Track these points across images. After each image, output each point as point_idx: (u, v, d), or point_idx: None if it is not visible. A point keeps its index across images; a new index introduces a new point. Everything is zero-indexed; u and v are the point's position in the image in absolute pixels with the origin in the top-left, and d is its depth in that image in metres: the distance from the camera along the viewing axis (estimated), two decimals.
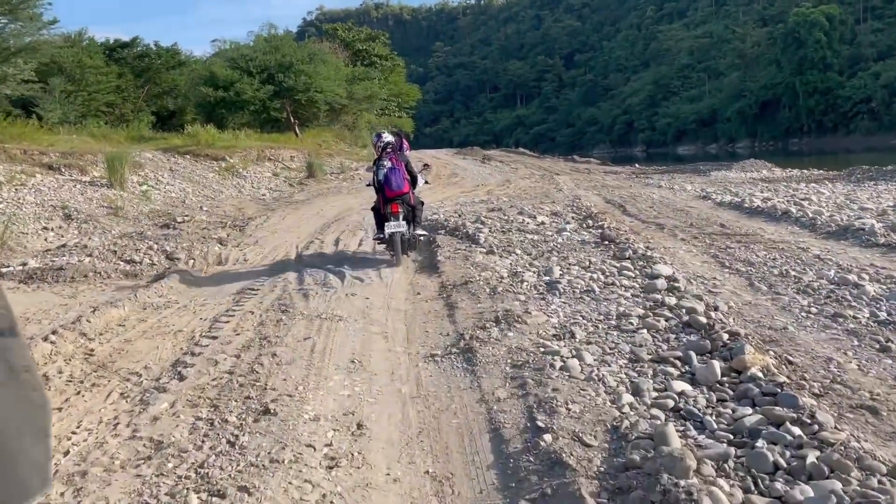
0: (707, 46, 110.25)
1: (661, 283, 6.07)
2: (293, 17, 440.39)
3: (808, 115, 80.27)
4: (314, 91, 30.92)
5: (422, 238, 8.95)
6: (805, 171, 28.21)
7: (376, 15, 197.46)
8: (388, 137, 8.74)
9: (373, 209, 8.83)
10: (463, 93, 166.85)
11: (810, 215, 9.93)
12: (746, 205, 12.16)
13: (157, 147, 22.47)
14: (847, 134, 76.43)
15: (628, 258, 7.28)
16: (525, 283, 6.46)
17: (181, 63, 35.56)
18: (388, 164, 8.42)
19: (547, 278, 6.64)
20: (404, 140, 8.99)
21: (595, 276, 6.64)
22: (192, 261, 9.18)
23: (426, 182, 9.79)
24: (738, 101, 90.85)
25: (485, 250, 8.28)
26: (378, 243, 8.91)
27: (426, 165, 10.36)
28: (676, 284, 6.01)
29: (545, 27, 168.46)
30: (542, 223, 10.26)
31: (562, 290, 6.15)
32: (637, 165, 40.30)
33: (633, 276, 6.57)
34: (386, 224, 8.32)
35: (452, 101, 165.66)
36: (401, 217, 8.30)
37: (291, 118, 32.39)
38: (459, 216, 11.62)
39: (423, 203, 9.13)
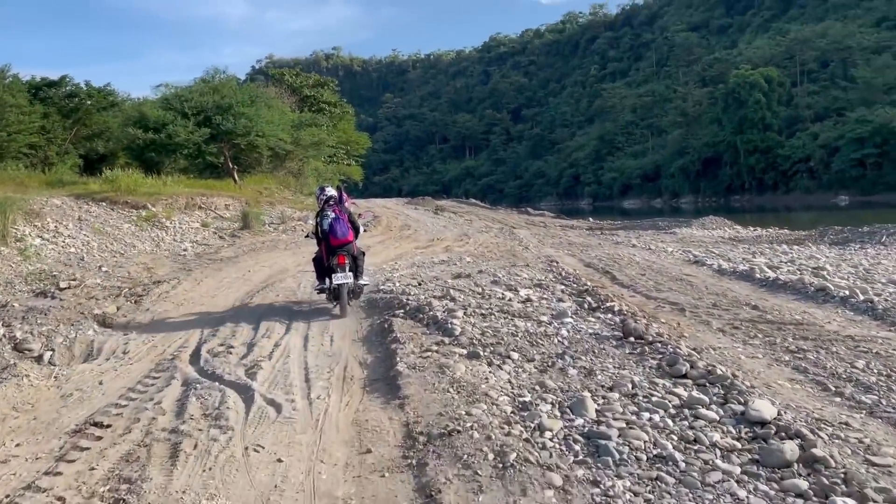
0: (650, 104, 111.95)
1: (787, 449, 3.58)
2: (243, 64, 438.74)
3: (749, 172, 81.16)
4: (255, 135, 28.37)
5: (364, 286, 8.91)
6: (771, 230, 26.91)
7: (326, 65, 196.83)
8: (330, 191, 8.94)
9: (314, 260, 8.88)
10: (412, 143, 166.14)
11: (860, 296, 7.84)
12: (758, 275, 10.11)
13: (71, 193, 19.57)
14: (787, 192, 77.37)
15: (685, 375, 4.90)
16: (548, 436, 3.98)
17: (113, 104, 32.65)
18: (331, 214, 8.57)
19: (580, 421, 4.18)
20: (345, 193, 9.19)
21: (657, 417, 4.23)
22: (50, 352, 6.51)
23: (365, 230, 9.89)
24: (681, 157, 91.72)
25: (465, 351, 5.80)
26: (318, 293, 8.80)
27: (374, 216, 11.29)
28: (815, 454, 3.54)
29: (493, 82, 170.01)
30: (528, 299, 7.90)
31: (618, 457, 3.69)
32: (591, 220, 38.77)
33: (717, 418, 4.20)
34: (333, 276, 8.26)
35: (402, 150, 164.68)
36: (347, 268, 8.31)
37: (230, 163, 29.71)
38: (419, 284, 9.21)
39: (364, 253, 9.08)
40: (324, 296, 8.61)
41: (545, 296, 8.18)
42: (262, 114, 29.39)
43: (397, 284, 9.21)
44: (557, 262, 12.09)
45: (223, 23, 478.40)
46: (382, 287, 9.10)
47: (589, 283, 9.21)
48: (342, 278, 8.10)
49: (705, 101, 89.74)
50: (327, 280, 8.34)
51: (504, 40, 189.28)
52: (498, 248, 16.05)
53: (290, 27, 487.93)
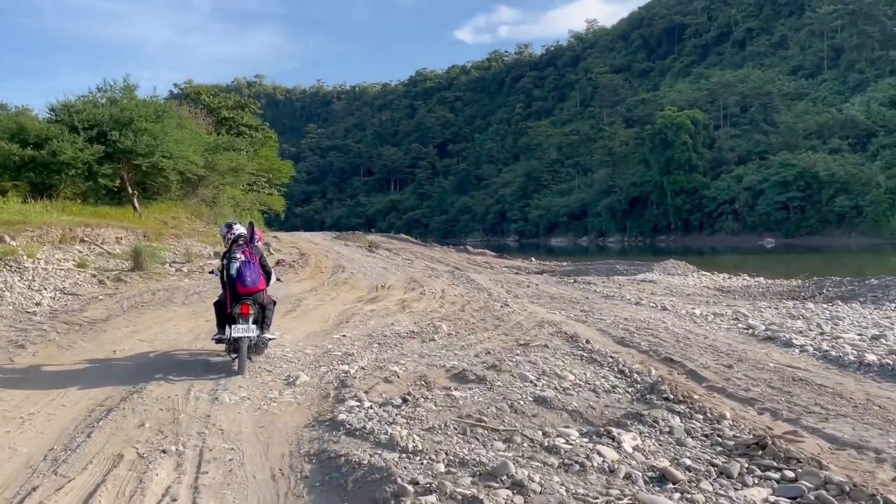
0: (576, 143, 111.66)
1: None
2: (161, 90, 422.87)
3: (676, 213, 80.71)
4: (160, 156, 23.70)
5: (271, 340, 7.76)
6: (749, 278, 24.11)
7: (248, 92, 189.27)
8: (239, 229, 7.68)
9: (216, 304, 7.63)
10: (336, 175, 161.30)
11: None
12: (852, 358, 6.70)
13: None
14: (712, 233, 77.13)
15: None
16: None
17: None
18: (240, 256, 7.39)
19: None
20: (257, 231, 7.89)
21: None
22: None
23: (279, 280, 8.40)
24: (607, 196, 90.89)
25: None
26: (216, 343, 7.51)
27: (280, 261, 9.49)
28: None
29: (419, 116, 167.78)
30: (627, 454, 4.04)
31: None
32: (535, 259, 35.60)
33: None
34: (233, 326, 7.10)
35: (325, 182, 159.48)
36: (250, 320, 7.21)
37: (129, 188, 24.89)
38: (406, 402, 5.22)
39: (274, 303, 7.93)
40: (221, 346, 7.51)
41: (653, 439, 4.31)
42: (170, 132, 24.78)
43: (367, 404, 5.14)
44: (581, 338, 8.33)
45: (141, 47, 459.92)
46: (344, 416, 4.96)
47: (684, 394, 5.45)
48: (243, 331, 7.09)
49: (632, 141, 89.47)
50: (227, 329, 7.20)
51: (430, 75, 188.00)
52: (470, 306, 12.27)
53: (212, 53, 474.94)
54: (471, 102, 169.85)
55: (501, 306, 12.37)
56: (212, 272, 8.43)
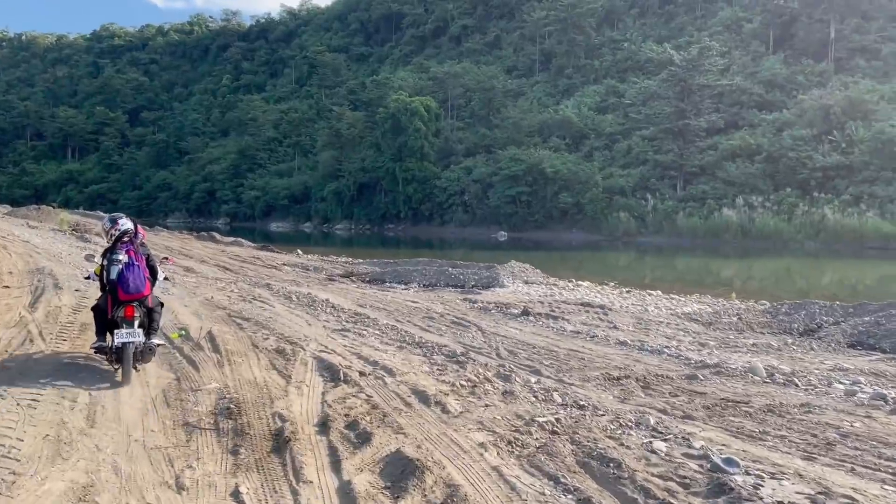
0: (296, 122, 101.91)
1: None
2: None
3: (407, 201, 76.25)
4: None
5: (159, 346, 7.01)
6: (691, 297, 18.00)
7: None
8: (125, 224, 6.84)
9: (94, 308, 6.85)
10: None
11: None
12: None
13: None
14: (442, 224, 74.20)
15: None
16: None
17: None
18: (123, 258, 6.61)
19: None
20: (140, 228, 7.04)
21: None
22: None
23: (166, 279, 7.63)
24: (334, 181, 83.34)
25: None
26: (96, 353, 6.80)
27: (166, 258, 8.30)
28: None
29: (105, 76, 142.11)
30: None
31: None
32: (299, 252, 26.80)
33: None
34: (116, 332, 6.45)
35: None
36: (136, 324, 6.55)
37: None
38: None
39: (162, 305, 7.18)
40: (102, 356, 6.70)
41: None
42: None
43: None
44: None
45: None
46: None
47: None
48: (128, 336, 6.38)
49: (361, 124, 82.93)
50: (108, 337, 6.52)
51: (119, 32, 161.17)
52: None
53: None
54: (169, 67, 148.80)
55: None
56: (87, 277, 7.25)
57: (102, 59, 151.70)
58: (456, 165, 75.04)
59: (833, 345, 10.85)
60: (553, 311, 12.45)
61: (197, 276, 16.38)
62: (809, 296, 18.67)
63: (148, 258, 6.85)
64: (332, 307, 11.62)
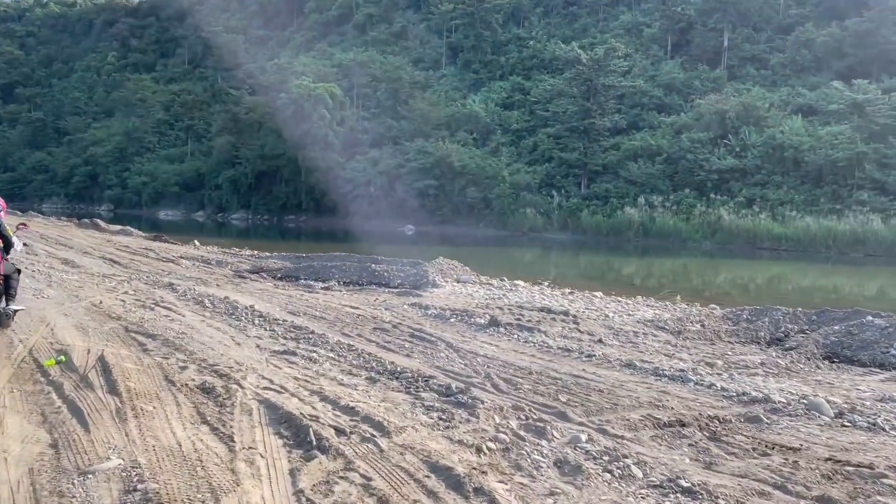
0: (189, 104, 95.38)
1: None
2: None
3: (309, 192, 72.69)
4: None
5: (17, 312, 7.27)
6: (647, 300, 16.33)
7: None
8: None
9: None
10: None
11: None
12: None
13: None
14: (347, 216, 71.13)
15: None
16: None
17: None
18: None
19: None
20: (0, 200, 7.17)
21: None
22: None
23: (25, 245, 8.00)
24: (230, 168, 78.31)
25: None
26: None
27: (22, 224, 8.73)
28: None
29: None
30: None
31: None
32: (196, 244, 23.69)
33: None
34: None
35: None
36: None
37: None
38: None
39: (19, 272, 7.38)
40: None
41: None
42: None
43: None
44: None
45: None
46: None
47: None
48: None
49: (261, 109, 78.28)
50: None
51: None
52: None
53: None
54: (48, 42, 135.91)
55: None
56: None
57: None
58: (362, 156, 72.20)
59: (808, 357, 9.67)
60: (520, 319, 10.61)
61: (79, 271, 13.44)
62: (704, 294, 18.01)
63: (0, 228, 6.74)
64: (260, 316, 9.30)
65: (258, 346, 7.63)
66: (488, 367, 7.37)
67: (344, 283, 15.90)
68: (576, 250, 47.20)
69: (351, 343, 8.12)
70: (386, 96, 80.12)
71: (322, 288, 14.74)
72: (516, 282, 17.88)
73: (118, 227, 25.52)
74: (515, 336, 9.41)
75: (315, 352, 7.47)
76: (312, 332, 8.55)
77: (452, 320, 10.37)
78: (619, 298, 15.68)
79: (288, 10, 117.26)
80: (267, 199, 75.92)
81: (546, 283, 18.29)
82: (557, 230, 57.97)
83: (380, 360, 7.27)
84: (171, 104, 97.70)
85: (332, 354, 7.42)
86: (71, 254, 16.16)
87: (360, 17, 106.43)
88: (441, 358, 7.75)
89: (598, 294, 16.21)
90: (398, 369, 6.94)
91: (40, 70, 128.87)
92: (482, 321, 10.21)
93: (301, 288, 14.22)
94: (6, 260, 6.97)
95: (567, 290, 16.45)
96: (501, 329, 9.73)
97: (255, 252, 23.15)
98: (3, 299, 6.79)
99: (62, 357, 6.35)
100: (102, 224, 26.23)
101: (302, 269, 17.23)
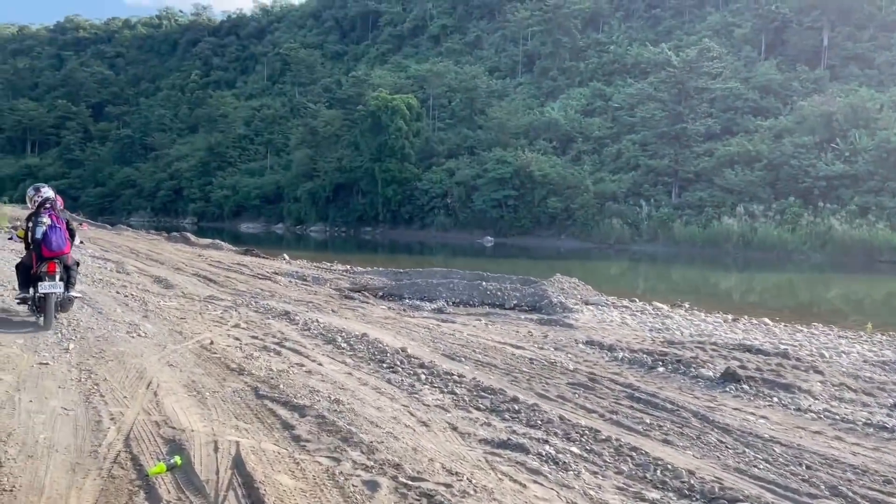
0: (268, 119, 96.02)
1: None
2: None
3: (385, 204, 71.21)
4: None
5: (76, 298, 8.12)
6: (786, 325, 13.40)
7: None
8: (47, 192, 7.94)
9: (19, 265, 7.86)
10: None
11: None
12: None
13: None
14: (422, 227, 69.43)
15: None
16: None
17: None
18: (47, 220, 7.61)
19: None
20: (59, 197, 8.16)
21: None
22: None
23: (82, 242, 8.81)
24: (309, 181, 77.82)
25: None
26: (20, 304, 7.81)
27: (81, 223, 9.54)
28: None
29: (69, 69, 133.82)
30: None
31: None
32: (286, 258, 21.83)
33: None
34: (39, 284, 7.38)
35: None
36: (57, 277, 7.47)
37: None
38: None
39: (78, 263, 8.26)
40: (25, 307, 7.67)
41: None
42: None
43: None
44: None
45: None
46: None
47: None
48: (50, 287, 7.29)
49: (338, 122, 77.51)
50: (31, 289, 7.44)
51: (84, 24, 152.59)
52: None
53: None
54: (136, 62, 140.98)
55: None
56: (11, 238, 8.74)
57: (66, 51, 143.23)
58: (438, 167, 70.35)
59: None
60: (746, 368, 7.80)
61: (175, 293, 11.54)
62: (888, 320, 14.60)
63: (67, 223, 7.75)
64: (421, 366, 6.85)
65: (452, 425, 5.18)
66: (810, 466, 4.67)
67: (454, 303, 13.79)
68: (672, 263, 43.42)
69: (577, 421, 5.51)
70: (461, 106, 78.14)
71: (433, 310, 12.57)
72: (656, 304, 15.03)
73: (208, 241, 24.06)
74: (775, 399, 6.62)
75: (547, 442, 4.89)
76: (505, 395, 5.99)
77: (660, 370, 7.71)
78: (799, 327, 12.64)
79: (363, 25, 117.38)
80: (344, 211, 74.93)
81: (687, 306, 15.34)
82: (646, 241, 54.16)
83: (648, 457, 4.69)
84: (251, 119, 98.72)
85: (575, 448, 4.85)
86: (163, 271, 14.43)
87: (434, 28, 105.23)
88: (727, 455, 5.06)
89: (767, 320, 13.18)
90: (687, 480, 4.31)
91: (129, 89, 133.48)
92: (710, 373, 7.48)
93: (418, 312, 11.98)
94: (71, 254, 7.60)
95: (730, 317, 13.48)
96: (745, 386, 6.99)
97: (348, 266, 21.16)
98: (66, 287, 7.36)
99: (176, 459, 4.13)
100: (192, 238, 24.87)
101: (405, 288, 15.03)
